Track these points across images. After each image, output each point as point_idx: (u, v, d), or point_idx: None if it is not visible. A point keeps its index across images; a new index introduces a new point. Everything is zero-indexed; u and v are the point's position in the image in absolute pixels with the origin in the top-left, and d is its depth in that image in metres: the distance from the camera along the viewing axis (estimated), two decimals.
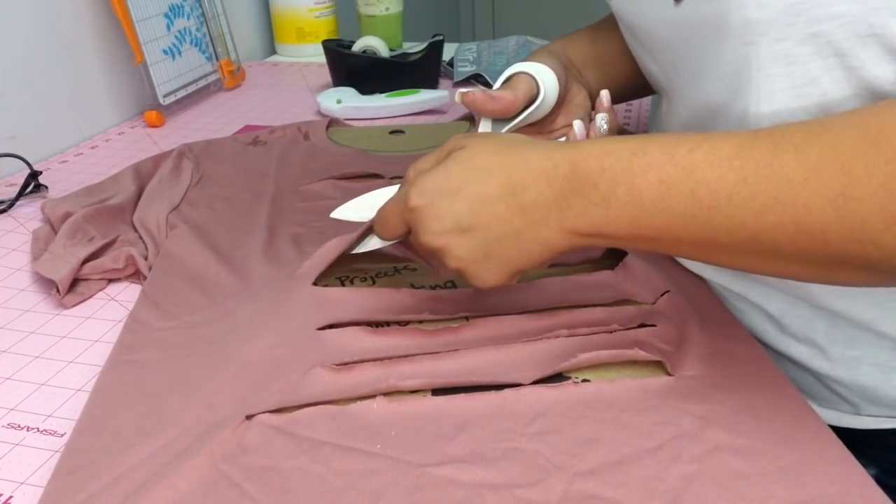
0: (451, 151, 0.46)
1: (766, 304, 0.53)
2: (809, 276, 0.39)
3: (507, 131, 0.60)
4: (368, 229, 0.54)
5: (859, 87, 0.43)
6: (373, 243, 0.53)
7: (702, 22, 0.47)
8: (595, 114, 0.60)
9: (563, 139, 0.59)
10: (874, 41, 0.41)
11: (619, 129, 0.65)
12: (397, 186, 0.51)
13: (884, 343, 0.49)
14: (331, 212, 0.69)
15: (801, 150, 0.36)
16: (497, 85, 0.61)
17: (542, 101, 0.60)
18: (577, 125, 0.59)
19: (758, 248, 0.38)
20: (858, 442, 0.44)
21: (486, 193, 0.43)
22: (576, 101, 0.65)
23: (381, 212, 0.50)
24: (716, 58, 0.47)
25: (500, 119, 0.60)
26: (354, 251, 0.55)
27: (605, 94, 0.62)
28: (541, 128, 0.64)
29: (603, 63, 0.69)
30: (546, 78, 0.60)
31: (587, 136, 0.59)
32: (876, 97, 0.42)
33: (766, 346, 0.53)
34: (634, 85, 0.69)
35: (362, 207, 0.56)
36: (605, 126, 0.59)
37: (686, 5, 0.48)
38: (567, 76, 0.64)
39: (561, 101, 0.64)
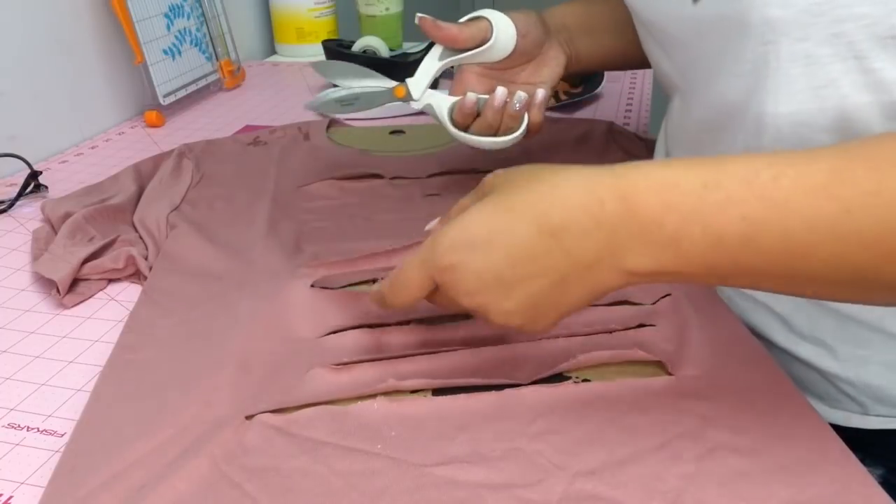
0: (482, 195, 0.42)
1: (774, 303, 0.52)
2: None
3: (446, 62, 0.66)
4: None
5: (879, 91, 0.42)
6: (323, 105, 0.66)
7: (720, 20, 0.47)
8: (517, 97, 0.63)
9: (499, 93, 0.63)
10: (894, 43, 0.41)
11: (538, 129, 0.67)
12: (370, 71, 0.62)
13: (892, 342, 0.49)
14: (330, 212, 0.69)
15: None
16: (460, 21, 0.66)
17: (489, 47, 0.65)
18: (499, 92, 0.62)
19: (861, 282, 0.35)
20: (866, 442, 0.44)
21: (521, 240, 0.38)
22: (547, 61, 0.68)
23: (400, 275, 0.43)
24: (734, 56, 0.46)
25: (449, 50, 0.66)
26: (309, 103, 0.66)
27: (539, 94, 0.65)
28: (501, 75, 0.67)
29: (594, 31, 0.70)
30: (501, 25, 0.64)
31: (502, 107, 0.63)
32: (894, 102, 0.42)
33: (774, 346, 0.53)
34: (625, 55, 0.70)
35: (336, 69, 0.69)
36: (517, 107, 0.63)
37: (705, 3, 0.48)
38: (546, 36, 0.67)
39: (531, 56, 0.67)
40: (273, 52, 1.39)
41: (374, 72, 0.70)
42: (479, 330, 0.50)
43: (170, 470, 0.39)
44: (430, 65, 0.66)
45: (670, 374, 0.46)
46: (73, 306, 0.59)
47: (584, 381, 0.46)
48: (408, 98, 0.68)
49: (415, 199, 0.71)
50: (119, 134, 0.97)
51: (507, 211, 0.39)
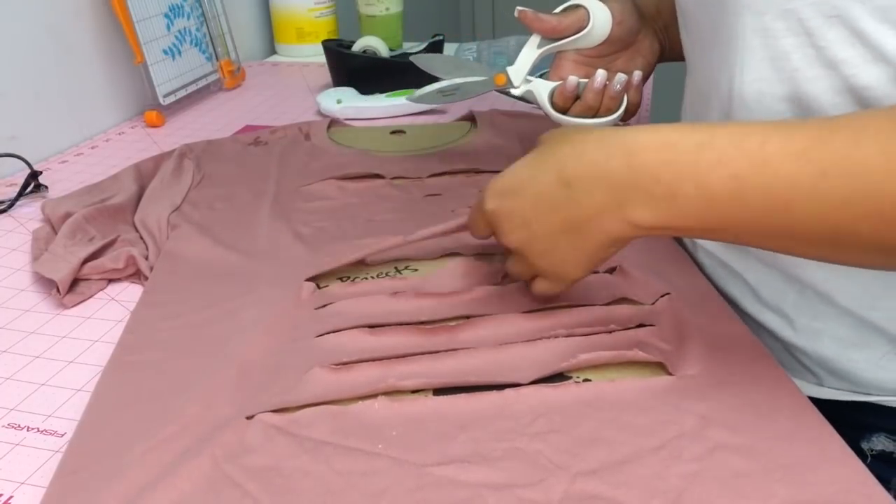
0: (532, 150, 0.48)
1: (745, 273, 0.55)
2: (890, 264, 0.39)
3: (544, 50, 0.69)
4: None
5: (828, 68, 0.45)
6: (427, 97, 0.71)
7: None
8: (617, 79, 0.66)
9: (600, 76, 0.66)
10: (839, 22, 0.43)
11: (636, 109, 0.69)
12: (466, 60, 0.66)
13: (844, 319, 0.51)
14: (331, 212, 0.69)
15: (880, 140, 0.35)
16: (556, 10, 0.69)
17: (587, 33, 0.67)
18: (600, 73, 0.65)
19: (836, 239, 0.37)
20: (822, 414, 0.45)
21: (543, 188, 0.44)
22: (642, 50, 0.71)
23: (469, 218, 0.53)
24: (718, 28, 0.50)
25: (547, 38, 0.69)
26: (413, 96, 0.73)
27: (636, 75, 0.67)
28: (597, 62, 0.70)
29: None
30: (597, 13, 0.67)
31: (602, 89, 0.65)
32: (844, 79, 0.44)
33: (744, 314, 0.56)
34: None
35: (435, 62, 0.73)
36: (618, 87, 0.65)
37: None
38: (640, 22, 0.69)
39: (627, 44, 0.70)
40: (273, 52, 1.39)
41: (470, 62, 0.75)
42: (480, 330, 0.50)
43: (171, 470, 0.39)
44: (529, 53, 0.69)
45: (670, 373, 0.46)
46: (73, 306, 0.59)
47: (585, 380, 0.46)
48: (508, 85, 0.70)
49: (415, 199, 0.71)
50: (119, 134, 0.97)
51: (536, 163, 0.46)
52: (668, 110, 0.72)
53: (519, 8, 0.67)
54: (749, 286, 0.56)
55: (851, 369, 0.52)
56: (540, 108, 0.70)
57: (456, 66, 0.73)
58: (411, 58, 0.76)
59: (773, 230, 0.39)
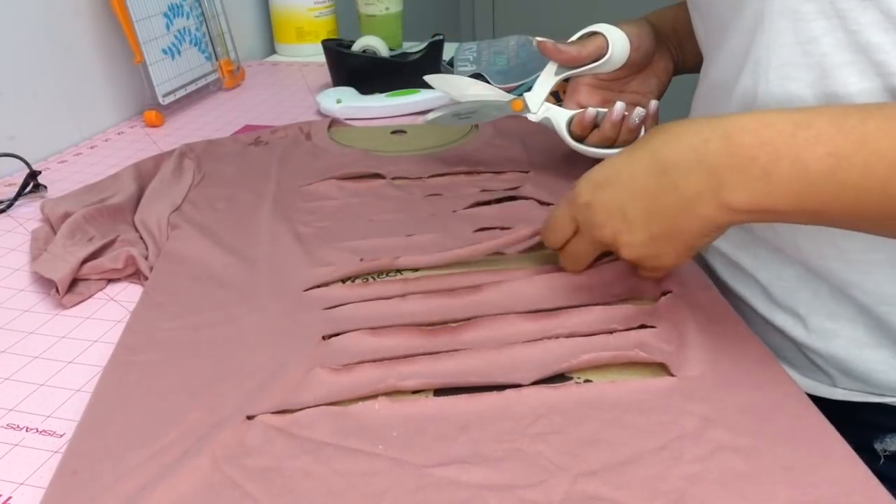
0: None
1: (757, 273, 0.55)
2: None
3: (561, 77, 0.69)
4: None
5: (858, 53, 0.44)
6: (441, 119, 0.70)
7: None
8: (636, 113, 0.66)
9: (619, 106, 0.66)
10: (873, 6, 0.42)
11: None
12: (479, 83, 0.70)
13: (859, 319, 0.51)
14: (332, 212, 0.69)
15: None
16: (573, 38, 0.69)
17: (606, 61, 0.68)
18: (619, 105, 0.65)
19: None
20: (835, 416, 0.45)
21: (638, 176, 0.45)
22: (656, 72, 0.71)
23: (550, 219, 0.52)
24: (740, 12, 0.49)
25: (564, 66, 0.69)
26: (428, 118, 0.71)
27: (653, 105, 0.68)
28: (611, 85, 0.70)
29: None
30: (616, 40, 0.68)
31: (621, 121, 0.66)
32: (875, 65, 0.43)
33: (756, 314, 0.56)
34: None
35: (449, 83, 0.72)
36: (636, 121, 0.66)
37: None
38: (656, 44, 0.70)
39: (642, 67, 0.70)
40: (273, 51, 1.39)
41: (485, 84, 0.74)
42: (481, 331, 0.50)
43: (170, 470, 0.39)
44: (547, 80, 0.70)
45: (672, 374, 0.45)
46: (72, 306, 0.58)
47: (586, 381, 0.45)
48: (525, 111, 0.71)
49: (416, 199, 0.71)
50: (118, 134, 0.97)
51: (631, 154, 0.46)
52: (672, 108, 0.72)
53: (538, 39, 0.68)
54: (760, 286, 0.55)
55: (865, 370, 0.52)
56: (557, 134, 0.70)
57: (471, 88, 0.73)
58: (426, 77, 0.76)
59: (871, 210, 0.38)
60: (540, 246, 0.57)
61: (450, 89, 0.73)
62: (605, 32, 0.68)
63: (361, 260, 0.59)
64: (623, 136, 0.67)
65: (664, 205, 0.44)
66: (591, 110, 0.67)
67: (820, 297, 0.52)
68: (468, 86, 0.73)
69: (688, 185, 0.42)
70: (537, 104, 0.70)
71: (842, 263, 0.50)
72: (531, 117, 0.71)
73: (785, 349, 0.56)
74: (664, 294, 0.52)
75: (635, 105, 0.67)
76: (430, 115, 0.72)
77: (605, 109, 0.67)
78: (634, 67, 0.70)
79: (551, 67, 0.70)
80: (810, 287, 0.52)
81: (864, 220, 0.40)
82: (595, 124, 0.68)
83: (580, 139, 0.69)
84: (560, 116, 0.70)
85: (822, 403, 0.48)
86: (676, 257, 0.47)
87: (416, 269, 0.59)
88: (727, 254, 0.57)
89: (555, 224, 0.52)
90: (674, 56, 0.73)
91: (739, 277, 0.57)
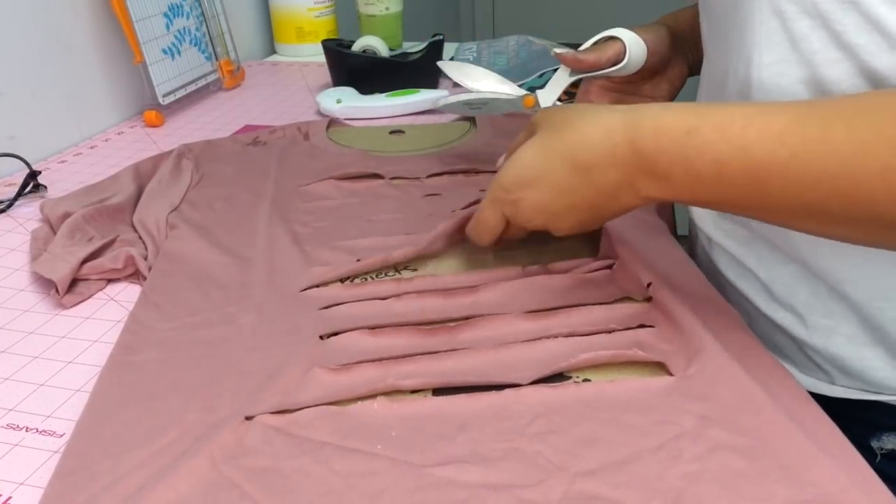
0: (530, 134, 0.52)
1: (758, 270, 0.56)
2: (862, 238, 0.42)
3: (576, 77, 0.69)
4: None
5: (844, 51, 0.45)
6: (451, 106, 0.71)
7: None
8: None
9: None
10: (853, 9, 0.43)
11: None
12: (494, 74, 0.69)
13: (855, 316, 0.51)
14: (330, 212, 0.69)
15: (851, 125, 0.38)
16: (588, 43, 0.69)
17: (623, 66, 0.68)
18: None
19: (812, 214, 0.41)
20: (833, 413, 0.45)
21: (560, 178, 0.49)
22: (670, 76, 0.72)
23: (479, 217, 0.55)
24: (733, 11, 0.50)
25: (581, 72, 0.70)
26: (438, 103, 0.72)
27: None
28: (625, 88, 0.71)
29: None
30: (634, 48, 0.68)
31: None
32: (860, 64, 0.45)
33: (758, 312, 0.57)
34: None
35: (464, 71, 0.71)
36: None
37: None
38: (672, 50, 0.70)
39: (655, 72, 0.71)
40: (273, 51, 1.39)
41: (499, 75, 0.73)
42: (480, 331, 0.50)
43: (169, 470, 0.39)
44: (560, 79, 0.70)
45: (670, 374, 0.45)
46: (72, 306, 0.59)
47: (585, 381, 0.46)
48: (537, 108, 0.71)
49: (414, 199, 0.71)
50: (118, 134, 0.97)
51: (547, 154, 0.49)
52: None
53: (556, 51, 0.69)
54: (762, 283, 0.56)
55: (862, 367, 0.52)
56: None
57: (485, 78, 0.73)
58: (439, 63, 0.76)
59: (754, 205, 0.43)
60: None
61: (463, 77, 0.73)
62: (622, 38, 0.68)
63: (358, 261, 0.59)
64: None
65: (587, 198, 0.49)
66: None
67: (818, 295, 0.53)
68: (482, 76, 0.73)
69: (606, 183, 0.47)
70: (549, 102, 0.70)
71: (837, 259, 0.50)
72: None
73: (786, 347, 0.56)
74: (648, 285, 0.52)
75: None
76: (441, 101, 0.73)
77: None
78: (648, 72, 0.71)
79: (563, 72, 0.70)
80: (809, 285, 0.53)
81: (754, 212, 0.44)
82: None
83: None
84: None
85: (820, 401, 0.48)
86: (600, 224, 0.54)
87: (414, 269, 0.59)
88: (731, 251, 0.58)
89: (486, 224, 0.54)
90: (689, 59, 0.73)
91: (742, 275, 0.57)
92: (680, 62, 0.73)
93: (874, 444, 0.55)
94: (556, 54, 0.69)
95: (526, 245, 0.59)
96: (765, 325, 0.56)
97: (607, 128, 0.46)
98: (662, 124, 0.44)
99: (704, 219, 0.61)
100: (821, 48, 0.46)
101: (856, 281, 0.50)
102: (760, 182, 0.41)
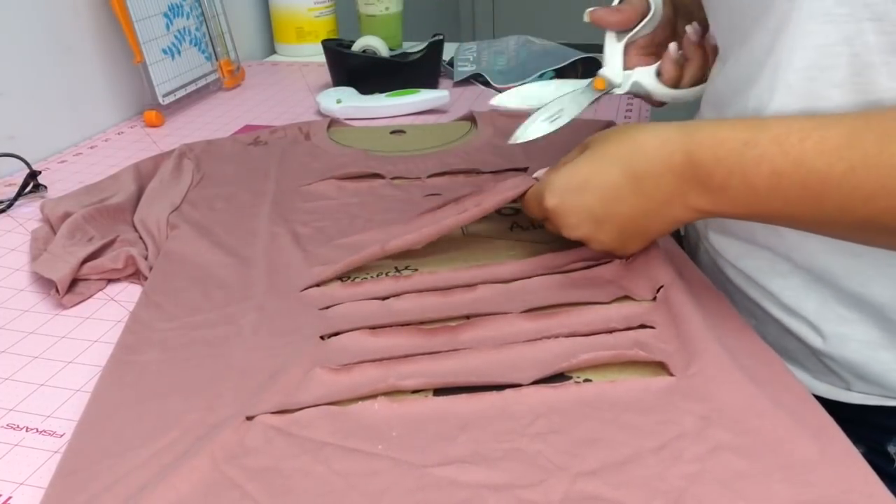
0: (583, 150, 0.52)
1: (767, 282, 0.55)
2: None
3: (624, 42, 0.67)
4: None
5: (893, 54, 0.44)
6: (532, 130, 0.65)
7: None
8: (689, 27, 0.64)
9: (672, 48, 0.65)
10: None
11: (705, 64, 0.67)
12: (551, 81, 0.66)
13: (871, 320, 0.51)
14: (331, 212, 0.69)
15: None
16: (615, 2, 0.67)
17: (652, 15, 0.66)
18: (690, 29, 0.64)
19: (867, 228, 0.42)
20: (849, 419, 0.45)
21: (610, 183, 0.49)
22: (680, 32, 0.68)
23: (525, 201, 0.57)
24: (764, 13, 0.49)
25: (621, 32, 0.66)
26: (514, 139, 0.66)
27: (690, 30, 0.65)
28: (656, 50, 0.68)
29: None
30: None
31: (700, 40, 0.64)
32: None
33: (768, 316, 0.56)
34: None
35: (522, 96, 0.68)
36: (694, 35, 0.63)
37: None
38: (675, 12, 0.68)
39: (671, 27, 0.68)
40: (273, 51, 1.39)
41: (550, 82, 0.70)
42: (480, 331, 0.50)
43: (170, 470, 0.39)
44: (614, 48, 0.68)
45: (671, 374, 0.45)
46: (72, 306, 0.59)
47: (586, 381, 0.45)
48: (610, 87, 0.68)
49: (415, 199, 0.71)
50: (118, 134, 0.97)
51: (600, 160, 0.50)
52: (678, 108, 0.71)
53: (589, 10, 0.66)
54: (770, 292, 0.55)
55: (880, 372, 0.51)
56: (651, 96, 0.67)
57: (545, 89, 0.70)
58: (493, 102, 0.71)
59: (807, 218, 0.44)
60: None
61: (526, 101, 0.69)
62: None
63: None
64: (704, 65, 0.65)
65: (634, 208, 0.49)
66: (672, 47, 0.65)
67: (828, 303, 0.52)
68: (539, 89, 0.70)
69: (658, 192, 0.48)
70: (619, 76, 0.67)
71: (854, 263, 0.50)
72: (617, 91, 0.68)
73: (798, 353, 0.55)
74: (659, 289, 0.52)
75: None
76: (520, 131, 0.67)
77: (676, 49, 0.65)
78: (666, 27, 0.68)
79: (611, 36, 0.67)
80: (817, 294, 0.52)
81: (809, 225, 0.45)
82: (679, 64, 0.65)
83: (674, 84, 0.66)
84: (646, 74, 0.67)
85: (836, 407, 0.48)
86: (640, 246, 0.54)
87: (414, 269, 0.59)
88: (736, 261, 0.57)
89: (529, 209, 0.57)
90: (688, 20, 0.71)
91: (750, 283, 0.57)
92: (683, 23, 0.69)
93: (891, 449, 0.54)
94: (591, 13, 0.65)
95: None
96: (776, 331, 0.55)
97: (664, 139, 0.47)
98: (720, 136, 0.45)
99: (708, 228, 0.60)
100: (863, 51, 0.44)
101: (877, 283, 0.49)
102: (816, 195, 0.41)
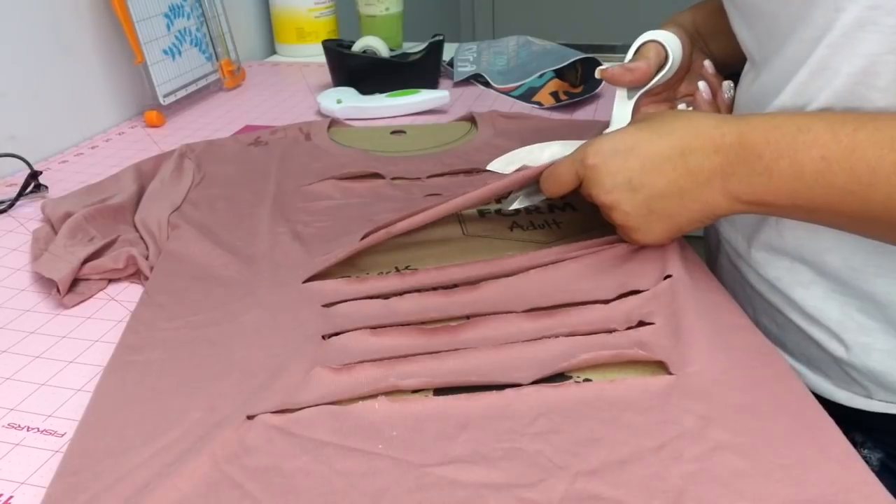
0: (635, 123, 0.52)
1: (790, 291, 0.55)
2: None
3: (634, 98, 0.65)
4: (518, 186, 0.61)
5: None
6: (519, 201, 0.62)
7: None
8: (706, 81, 0.64)
9: (682, 106, 0.65)
10: None
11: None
12: (552, 144, 0.62)
13: (893, 331, 0.50)
14: (331, 212, 0.69)
15: None
16: (629, 56, 0.65)
17: (669, 67, 0.65)
18: (702, 86, 0.63)
19: None
20: (869, 426, 0.44)
21: (656, 152, 0.48)
22: (696, 68, 0.69)
23: (555, 169, 0.55)
24: (805, 22, 0.49)
25: (634, 87, 0.65)
26: (504, 207, 0.64)
27: (707, 64, 0.66)
28: (667, 95, 0.69)
29: (722, 33, 0.68)
30: (673, 45, 0.66)
31: (713, 98, 0.63)
32: None
33: (790, 323, 0.56)
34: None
35: (517, 161, 0.65)
36: (730, 93, 0.63)
37: None
38: (692, 45, 0.68)
39: (686, 69, 0.69)
40: (273, 52, 1.39)
41: (550, 142, 0.65)
42: (481, 330, 0.50)
43: (171, 470, 0.39)
44: (624, 108, 0.65)
45: (671, 373, 0.45)
46: (73, 306, 0.59)
47: (586, 380, 0.46)
48: None
49: (415, 199, 0.71)
50: (119, 134, 0.97)
51: (649, 130, 0.50)
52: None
53: (601, 69, 0.64)
54: (792, 300, 0.55)
55: None
56: None
57: (546, 151, 0.64)
58: (490, 167, 0.66)
59: (854, 212, 0.43)
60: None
61: (524, 163, 0.65)
62: (660, 39, 0.65)
63: (362, 240, 0.59)
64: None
65: (672, 184, 0.48)
66: (682, 106, 0.65)
67: (847, 313, 0.52)
68: (541, 150, 0.65)
69: (701, 169, 0.47)
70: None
71: (874, 270, 0.50)
72: None
73: (820, 360, 0.55)
74: (666, 278, 0.52)
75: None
76: (515, 202, 0.64)
77: (686, 106, 0.65)
78: (683, 69, 0.68)
79: (621, 94, 0.65)
80: (839, 303, 0.52)
81: (848, 220, 0.44)
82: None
83: None
84: None
85: (855, 414, 0.48)
86: (660, 236, 0.52)
87: (414, 269, 0.59)
88: (759, 267, 0.57)
89: (558, 177, 0.54)
90: (706, 53, 0.71)
91: (772, 290, 0.57)
92: (699, 56, 0.70)
93: None
94: (603, 73, 0.63)
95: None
96: (797, 338, 0.55)
97: (720, 120, 0.47)
98: (775, 121, 0.45)
99: (735, 232, 0.59)
100: None
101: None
102: (864, 186, 0.41)
